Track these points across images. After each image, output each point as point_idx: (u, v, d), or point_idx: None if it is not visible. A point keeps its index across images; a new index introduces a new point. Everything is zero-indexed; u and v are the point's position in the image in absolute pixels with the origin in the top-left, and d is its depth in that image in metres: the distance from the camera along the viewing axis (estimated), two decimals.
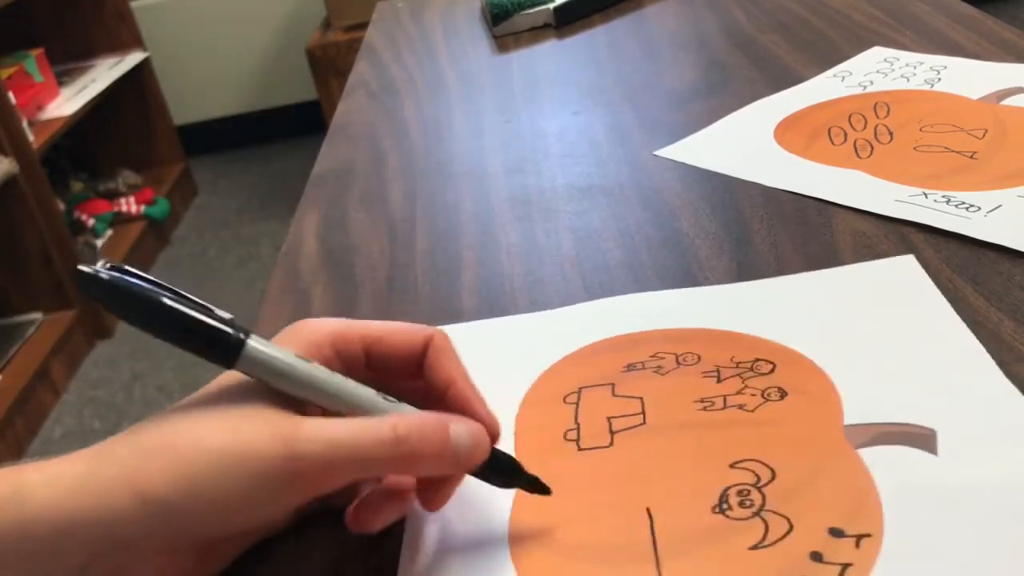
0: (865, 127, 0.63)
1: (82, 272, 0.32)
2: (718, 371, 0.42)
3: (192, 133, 3.04)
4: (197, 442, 0.30)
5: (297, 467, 0.30)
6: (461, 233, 0.60)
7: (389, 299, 0.54)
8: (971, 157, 0.56)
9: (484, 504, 0.37)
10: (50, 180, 2.14)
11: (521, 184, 0.65)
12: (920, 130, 0.61)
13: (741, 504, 0.35)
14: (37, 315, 2.09)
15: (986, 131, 0.59)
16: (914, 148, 0.59)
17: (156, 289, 0.32)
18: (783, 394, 0.40)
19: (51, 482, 0.30)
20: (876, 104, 0.66)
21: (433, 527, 0.37)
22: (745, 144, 0.64)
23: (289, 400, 0.33)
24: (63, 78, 2.46)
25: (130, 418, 1.89)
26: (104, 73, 2.51)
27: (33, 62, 2.26)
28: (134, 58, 2.62)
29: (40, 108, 2.26)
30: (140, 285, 0.32)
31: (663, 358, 0.44)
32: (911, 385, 0.39)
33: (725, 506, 0.35)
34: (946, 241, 0.49)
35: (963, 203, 0.51)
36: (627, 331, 0.46)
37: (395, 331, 0.37)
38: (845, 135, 0.62)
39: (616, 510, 0.36)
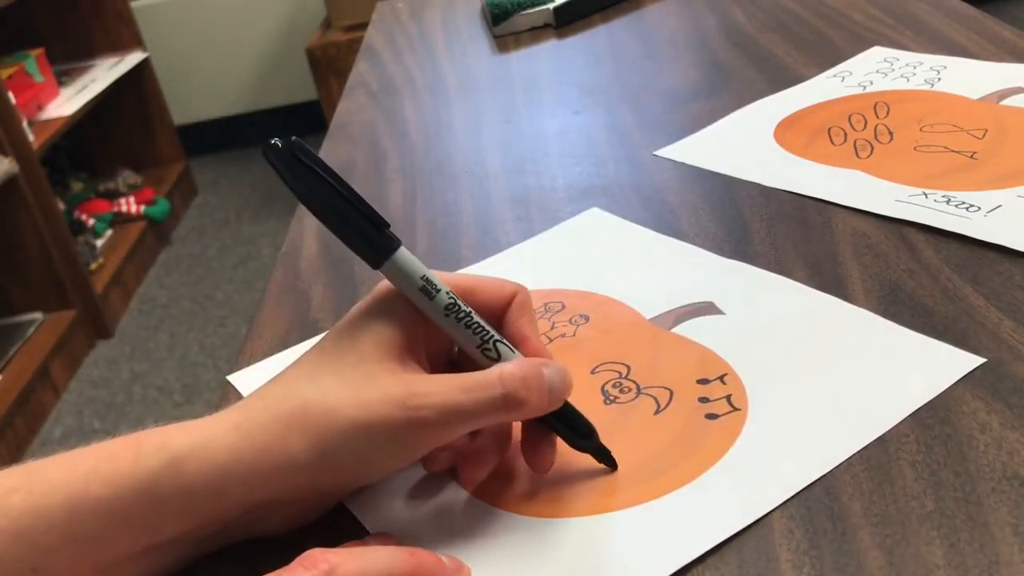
0: (865, 127, 0.63)
1: (276, 147, 0.35)
2: None
3: (192, 133, 3.04)
4: (329, 413, 0.35)
5: (417, 429, 0.35)
6: (461, 233, 0.60)
7: None
8: (971, 157, 0.56)
9: None
10: (50, 180, 2.15)
11: (521, 184, 0.65)
12: (920, 130, 0.61)
13: (621, 391, 0.42)
14: (37, 315, 2.09)
15: (986, 131, 0.59)
16: (914, 148, 0.59)
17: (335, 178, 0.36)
18: (586, 318, 0.48)
19: (205, 456, 0.35)
20: (876, 104, 0.66)
21: None
22: (745, 144, 0.64)
23: (400, 346, 0.37)
24: (63, 78, 2.46)
25: (130, 418, 1.89)
26: (104, 73, 2.51)
27: (33, 62, 2.26)
28: (134, 58, 2.62)
29: (40, 108, 2.26)
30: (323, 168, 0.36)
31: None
32: (666, 282, 0.50)
33: (610, 397, 0.42)
34: (946, 241, 0.49)
35: (963, 203, 0.51)
36: None
37: (486, 285, 0.40)
38: (845, 135, 0.62)
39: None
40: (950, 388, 0.39)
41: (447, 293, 0.37)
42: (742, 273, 0.49)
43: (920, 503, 0.34)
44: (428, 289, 0.37)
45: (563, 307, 0.50)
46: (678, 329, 0.46)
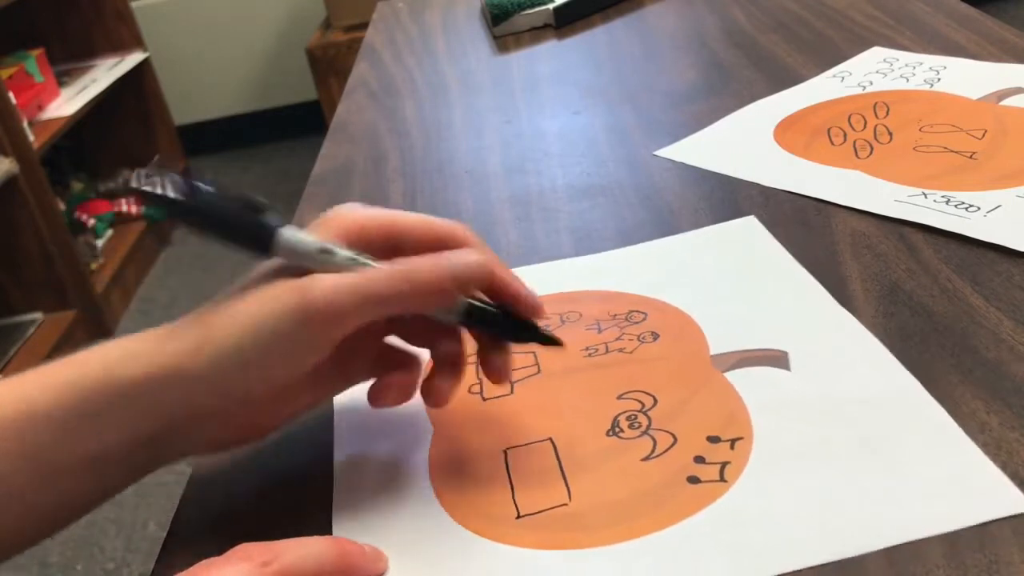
0: (865, 127, 0.63)
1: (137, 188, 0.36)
2: (598, 324, 0.48)
3: (192, 133, 3.04)
4: (230, 316, 0.37)
5: (309, 309, 0.35)
6: None
7: None
8: (970, 157, 0.56)
9: (407, 449, 0.42)
10: (50, 180, 2.14)
11: (521, 184, 0.65)
12: (920, 130, 0.61)
13: (631, 426, 0.41)
14: (37, 315, 2.09)
15: (985, 131, 0.59)
16: (914, 148, 0.59)
17: (198, 186, 0.37)
18: (656, 336, 0.46)
19: (136, 361, 0.37)
20: (876, 104, 0.66)
21: (361, 463, 0.42)
22: (745, 144, 0.64)
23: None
24: (63, 78, 2.46)
25: None
26: (104, 73, 2.51)
27: (33, 62, 2.26)
28: (134, 58, 2.62)
29: (40, 108, 2.26)
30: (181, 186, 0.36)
31: (549, 319, 0.49)
32: (764, 318, 0.46)
33: (617, 429, 0.41)
34: (946, 241, 0.49)
35: (962, 203, 0.51)
36: None
37: (417, 225, 0.40)
38: (845, 135, 0.62)
39: (522, 444, 0.41)
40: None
41: (347, 257, 0.37)
42: (847, 331, 0.44)
43: None
44: (328, 253, 0.37)
45: (644, 318, 0.48)
46: (734, 373, 0.42)
